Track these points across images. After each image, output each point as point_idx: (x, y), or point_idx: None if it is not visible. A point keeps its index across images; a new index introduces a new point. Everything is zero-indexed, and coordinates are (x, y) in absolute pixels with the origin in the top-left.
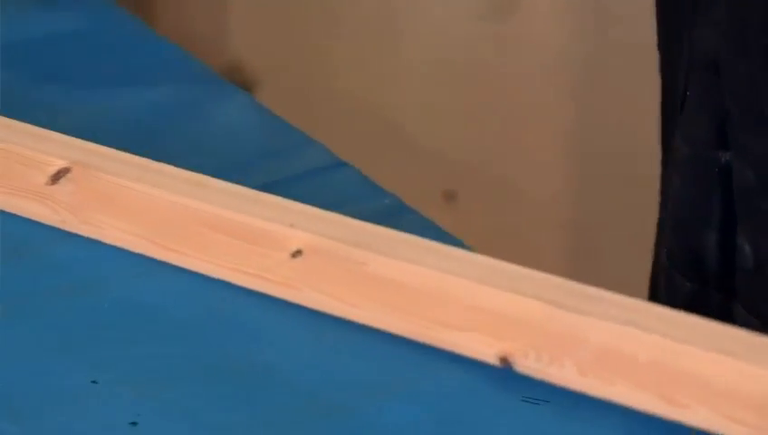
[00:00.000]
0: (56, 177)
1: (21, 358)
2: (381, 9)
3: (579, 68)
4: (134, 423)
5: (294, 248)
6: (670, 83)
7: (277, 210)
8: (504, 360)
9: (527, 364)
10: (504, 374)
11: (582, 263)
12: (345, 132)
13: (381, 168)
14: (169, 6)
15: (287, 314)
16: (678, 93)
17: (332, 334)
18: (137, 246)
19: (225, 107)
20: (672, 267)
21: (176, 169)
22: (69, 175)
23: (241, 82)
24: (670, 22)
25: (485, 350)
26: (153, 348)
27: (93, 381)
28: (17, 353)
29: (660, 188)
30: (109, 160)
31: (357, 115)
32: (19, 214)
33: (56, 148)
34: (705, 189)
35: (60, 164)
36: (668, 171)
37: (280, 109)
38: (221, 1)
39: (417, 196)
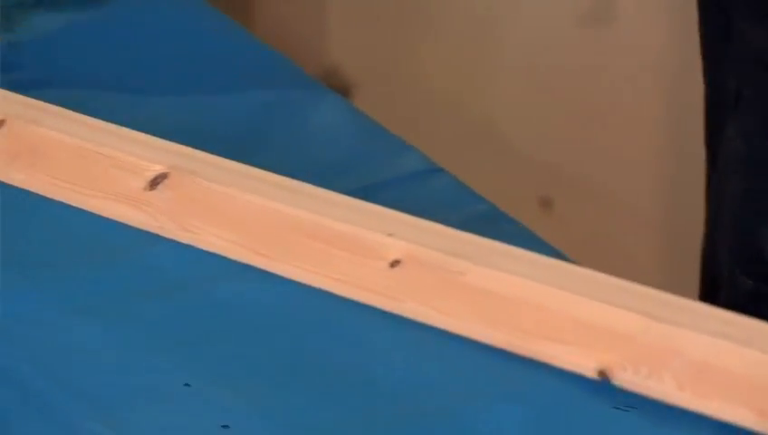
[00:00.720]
0: (154, 182)
1: (114, 360)
2: (478, 13)
3: (676, 73)
4: (226, 426)
5: (393, 258)
6: (718, 82)
7: (375, 218)
8: (603, 373)
9: (625, 378)
10: (598, 384)
11: (679, 271)
12: (441, 137)
13: (477, 173)
14: (267, 10)
15: (384, 322)
16: (728, 92)
17: (429, 343)
18: (233, 252)
19: (321, 111)
20: (733, 265)
21: (272, 175)
22: (167, 181)
23: (337, 86)
24: (717, 19)
25: (583, 362)
26: (246, 352)
27: (186, 384)
28: (110, 356)
29: (707, 187)
30: (206, 166)
31: (453, 120)
32: (116, 219)
33: (154, 152)
34: (764, 186)
35: (157, 169)
36: (718, 170)
37: (376, 113)
38: (318, 5)
39: (513, 202)
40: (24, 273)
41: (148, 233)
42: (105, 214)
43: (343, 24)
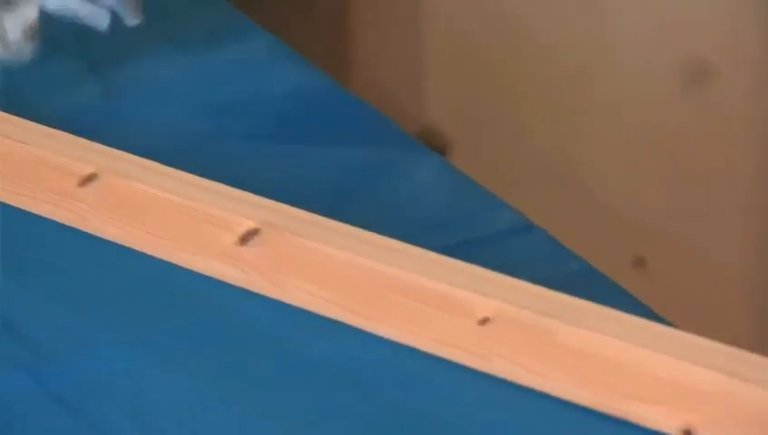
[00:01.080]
0: (245, 237)
1: (209, 415)
2: (575, 71)
3: None
4: None
5: (482, 316)
6: None
7: (465, 276)
8: (687, 432)
9: None
10: None
11: None
12: (536, 194)
13: (571, 231)
14: (365, 69)
15: (474, 380)
16: None
17: (518, 401)
18: (324, 309)
19: (417, 169)
20: None
21: (363, 231)
22: (258, 236)
23: (434, 144)
24: None
25: (669, 422)
26: (337, 408)
27: None
28: (206, 410)
29: None
30: (297, 222)
31: (548, 177)
32: (206, 274)
33: (245, 208)
34: None
35: (249, 225)
36: None
37: (472, 170)
38: (416, 64)
39: (607, 260)
40: (119, 327)
41: (241, 287)
42: (196, 268)
43: (440, 82)
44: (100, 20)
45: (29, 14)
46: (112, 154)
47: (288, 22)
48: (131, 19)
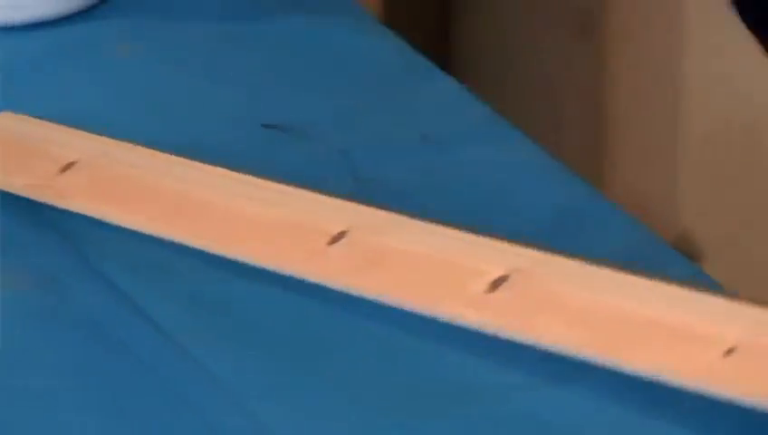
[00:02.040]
0: (495, 284)
1: None
2: None
3: None
4: None
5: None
6: None
7: (709, 307)
8: None
9: None
10: None
11: None
12: None
13: None
14: (619, 173)
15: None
16: None
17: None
18: (577, 348)
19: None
20: None
21: (613, 272)
22: (506, 283)
23: (688, 251)
24: None
25: None
26: None
27: None
28: None
29: None
30: (547, 266)
31: None
32: (458, 322)
33: (493, 255)
34: None
35: (498, 272)
36: None
37: (726, 277)
38: (671, 168)
39: None
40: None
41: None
42: (447, 318)
43: (698, 187)
44: None
45: None
46: (363, 211)
47: (542, 130)
48: None
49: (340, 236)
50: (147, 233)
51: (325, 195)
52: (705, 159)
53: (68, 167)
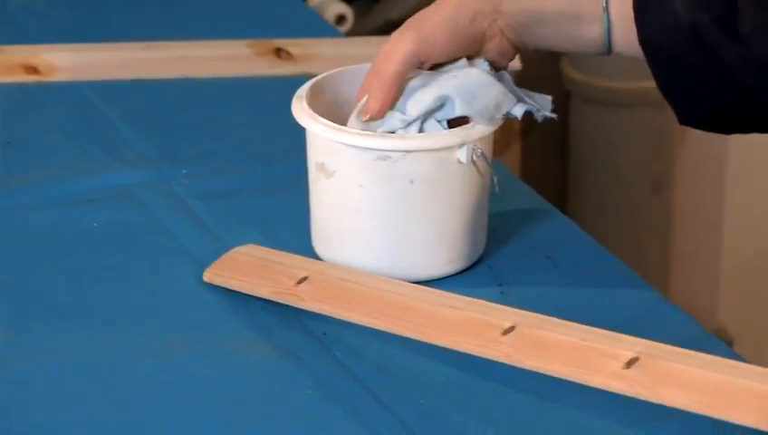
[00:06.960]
0: (629, 363)
1: None
2: None
3: None
4: None
5: None
6: None
7: None
8: None
9: None
10: None
11: None
12: None
13: None
14: (678, 282)
15: None
16: None
17: None
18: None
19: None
20: None
21: (711, 356)
22: (638, 362)
23: (724, 339)
24: None
25: None
26: None
27: None
28: None
29: None
30: (669, 353)
31: None
32: (602, 388)
33: (622, 343)
34: None
35: (629, 354)
36: None
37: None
38: (714, 280)
39: None
40: None
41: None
42: (597, 386)
43: (734, 287)
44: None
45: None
46: (526, 314)
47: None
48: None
49: (510, 329)
50: (366, 326)
51: (493, 302)
52: (738, 277)
53: (302, 280)
